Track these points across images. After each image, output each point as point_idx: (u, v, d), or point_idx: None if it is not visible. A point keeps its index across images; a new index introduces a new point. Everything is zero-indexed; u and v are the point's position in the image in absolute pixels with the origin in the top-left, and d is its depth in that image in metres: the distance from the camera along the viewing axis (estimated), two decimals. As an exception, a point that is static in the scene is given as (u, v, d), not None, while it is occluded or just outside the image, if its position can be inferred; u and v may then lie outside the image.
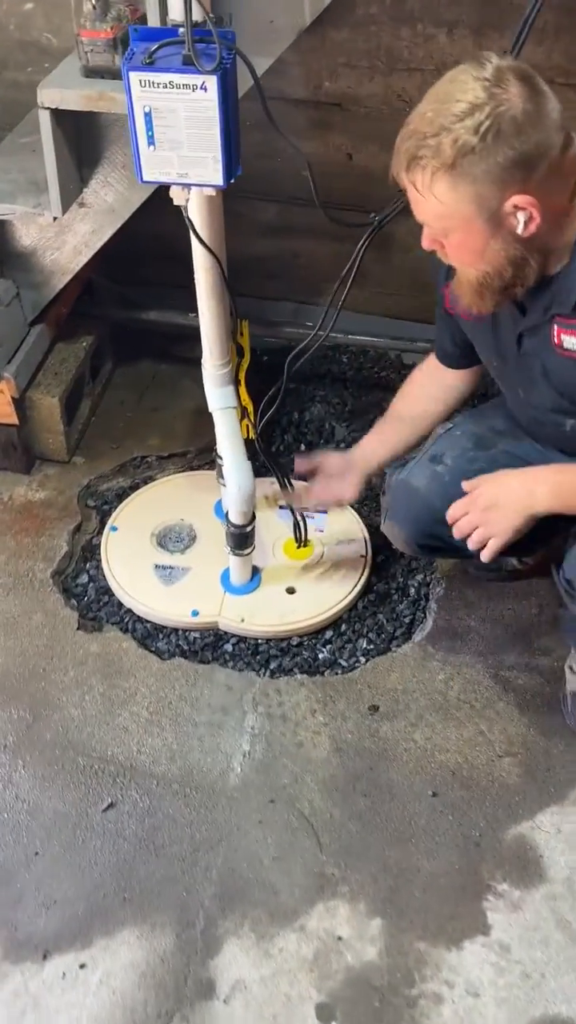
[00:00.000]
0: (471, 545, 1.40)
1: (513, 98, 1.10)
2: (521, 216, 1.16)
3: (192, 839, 1.53)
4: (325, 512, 2.05)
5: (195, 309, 1.57)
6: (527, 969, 1.38)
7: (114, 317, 2.38)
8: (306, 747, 1.65)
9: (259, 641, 1.85)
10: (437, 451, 1.64)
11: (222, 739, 1.66)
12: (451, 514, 1.42)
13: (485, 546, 1.38)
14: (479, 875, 1.50)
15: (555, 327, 1.31)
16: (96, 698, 1.72)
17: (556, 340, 1.31)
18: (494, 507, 1.37)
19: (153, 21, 1.29)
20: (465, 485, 1.42)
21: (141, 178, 1.30)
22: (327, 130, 2.13)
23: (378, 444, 1.75)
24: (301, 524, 1.95)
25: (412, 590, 1.96)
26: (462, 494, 1.44)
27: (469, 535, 1.39)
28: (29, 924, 1.42)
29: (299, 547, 1.98)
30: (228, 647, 1.84)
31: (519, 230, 1.17)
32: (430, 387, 1.72)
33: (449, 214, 1.18)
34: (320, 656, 1.83)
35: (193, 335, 1.66)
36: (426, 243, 1.27)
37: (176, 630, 1.87)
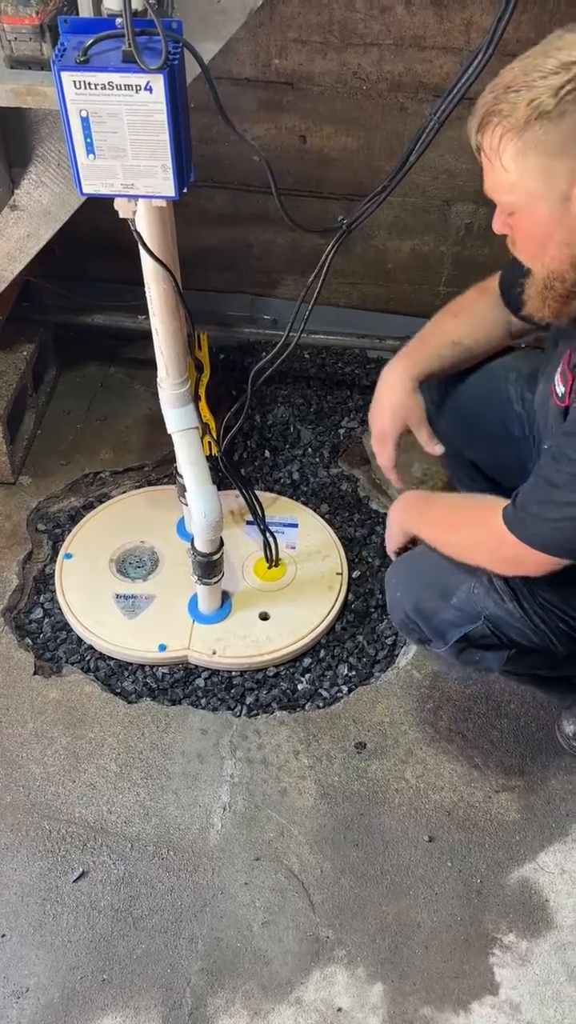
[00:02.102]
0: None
1: None
2: None
3: (174, 907, 1.41)
4: (296, 525, 1.93)
5: (145, 310, 1.41)
6: (540, 1030, 1.30)
7: (56, 320, 2.20)
8: (291, 795, 1.53)
9: (233, 674, 1.73)
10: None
11: (199, 791, 1.53)
12: None
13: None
14: (483, 926, 1.40)
15: (562, 356, 1.20)
16: (59, 752, 1.58)
17: (557, 367, 1.21)
18: (390, 518, 1.52)
19: (85, 11, 1.12)
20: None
21: (81, 190, 1.14)
22: (278, 111, 1.97)
23: (431, 358, 1.45)
24: (271, 542, 1.82)
25: (392, 607, 1.84)
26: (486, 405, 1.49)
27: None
28: (-1, 1019, 1.30)
29: (270, 567, 1.85)
30: (200, 682, 1.72)
31: None
32: (494, 326, 1.46)
33: (514, 187, 1.02)
34: (299, 687, 1.71)
35: (143, 336, 1.51)
36: (496, 225, 1.11)
37: (143, 666, 1.73)
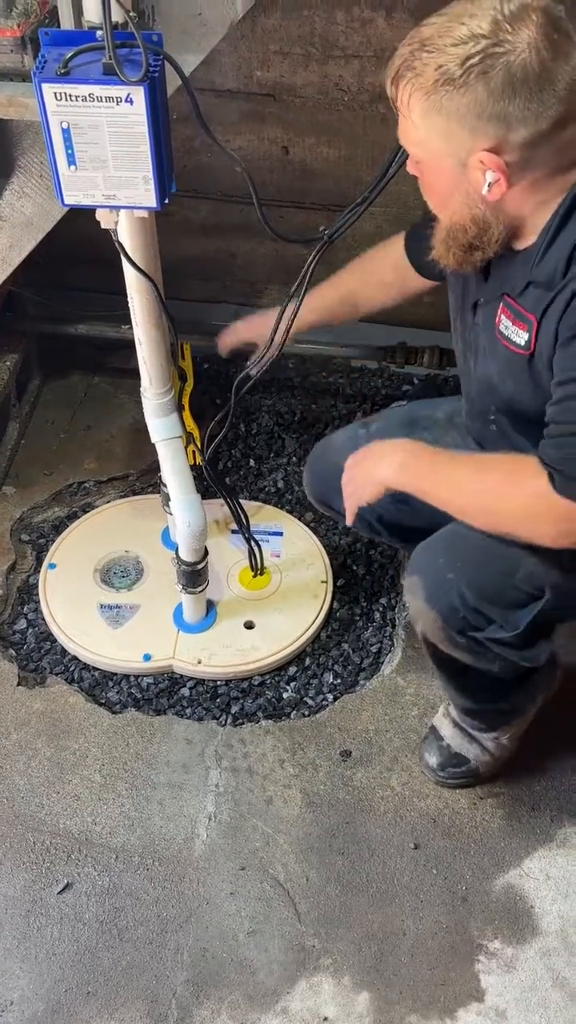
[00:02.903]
0: (346, 508, 1.38)
1: (520, 46, 0.95)
2: (489, 176, 1.03)
3: (159, 918, 1.40)
4: (280, 533, 1.93)
5: (128, 319, 1.42)
6: (526, 1037, 1.30)
7: (39, 330, 2.20)
8: (276, 804, 1.53)
9: (218, 683, 1.72)
10: (371, 419, 1.59)
11: (184, 801, 1.53)
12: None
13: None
14: (469, 933, 1.40)
15: (501, 305, 1.18)
16: (43, 763, 1.57)
17: (497, 320, 1.19)
18: (355, 471, 1.34)
19: (67, 23, 1.12)
20: (356, 453, 1.36)
21: (62, 201, 1.14)
22: (261, 122, 1.98)
23: (308, 311, 1.46)
24: (256, 551, 1.82)
25: (377, 615, 1.85)
26: None
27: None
28: (-17, 1033, 1.29)
29: (255, 576, 1.85)
30: (185, 691, 1.71)
31: (484, 190, 1.04)
32: (388, 277, 1.53)
33: (421, 142, 1.05)
34: (285, 695, 1.71)
35: (127, 345, 1.51)
36: (410, 166, 1.14)
37: (127, 676, 1.73)
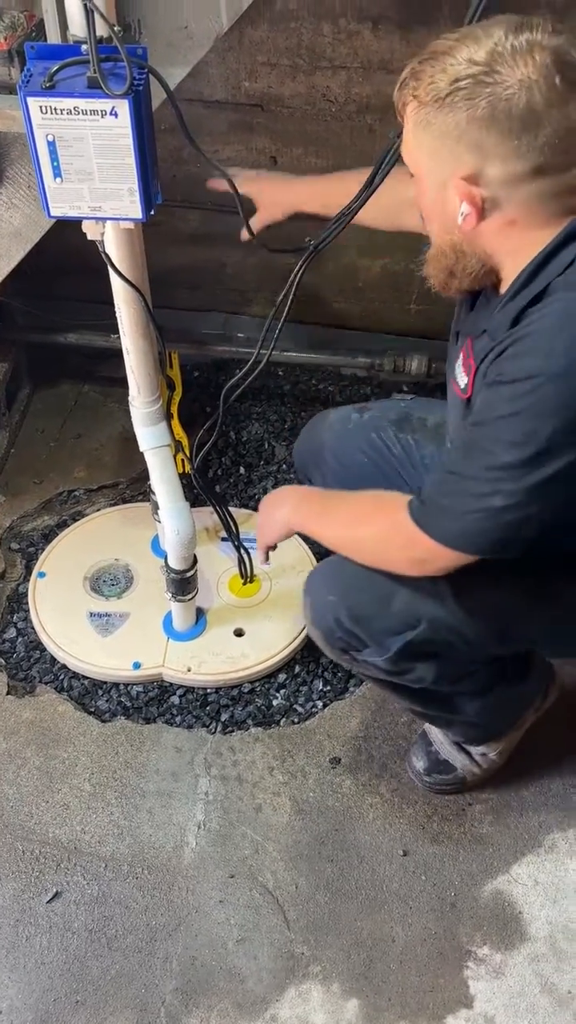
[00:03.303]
0: (258, 549, 1.49)
1: (510, 81, 0.94)
2: (463, 207, 1.02)
3: (148, 927, 1.40)
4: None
5: (117, 328, 1.42)
6: (515, 1043, 1.31)
7: (29, 340, 2.21)
8: (265, 811, 1.53)
9: (208, 691, 1.73)
10: (369, 406, 1.60)
11: (174, 809, 1.53)
12: None
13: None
14: (457, 940, 1.41)
15: (466, 343, 1.19)
16: (32, 772, 1.57)
17: (457, 356, 1.20)
18: (262, 515, 1.44)
19: (53, 37, 1.13)
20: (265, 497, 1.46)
21: (48, 213, 1.15)
22: (249, 133, 1.99)
23: (309, 196, 1.53)
24: (246, 558, 1.82)
25: (366, 622, 1.85)
26: (351, 447, 1.53)
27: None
28: (-28, 1043, 1.29)
29: (245, 583, 1.86)
30: (175, 699, 1.72)
31: (458, 219, 1.04)
32: (388, 200, 1.39)
33: (411, 152, 1.06)
34: (274, 703, 1.71)
35: (116, 354, 1.52)
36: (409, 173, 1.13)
37: (117, 685, 1.73)
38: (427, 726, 1.59)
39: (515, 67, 0.94)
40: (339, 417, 1.59)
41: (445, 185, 1.02)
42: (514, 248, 1.06)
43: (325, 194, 1.49)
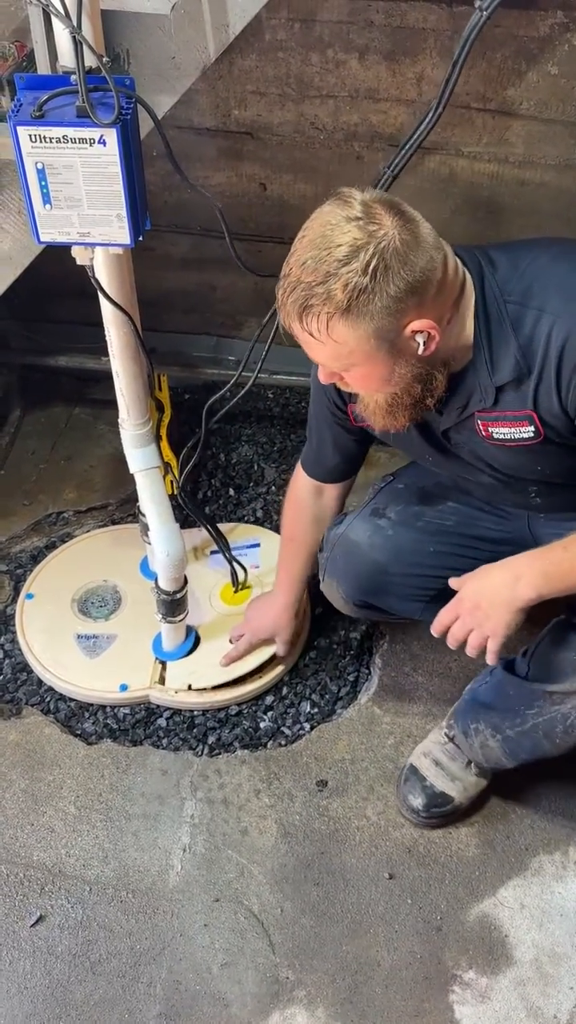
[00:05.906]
0: (470, 652, 1.27)
1: (389, 230, 1.06)
2: (420, 338, 1.12)
3: (132, 951, 1.40)
4: (257, 545, 1.95)
5: (108, 351, 1.44)
6: (500, 1069, 1.30)
7: (20, 362, 2.22)
8: (251, 835, 1.53)
9: (195, 713, 1.73)
10: (379, 504, 1.55)
11: (159, 833, 1.53)
12: (440, 621, 1.30)
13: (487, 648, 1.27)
14: (443, 963, 1.40)
15: (479, 422, 1.26)
16: (17, 795, 1.57)
17: (484, 433, 1.27)
18: (480, 606, 1.24)
19: (43, 67, 1.15)
20: (452, 583, 1.30)
21: (38, 239, 1.17)
22: (239, 160, 2.02)
23: (285, 575, 1.72)
24: (239, 571, 1.84)
25: (355, 644, 1.86)
26: (410, 550, 1.48)
27: (465, 641, 1.28)
28: (-47, 1070, 1.28)
29: (236, 591, 1.87)
30: (162, 722, 1.71)
31: (420, 351, 1.13)
32: (307, 511, 1.63)
33: (350, 352, 1.12)
34: (262, 725, 1.71)
35: (108, 376, 1.53)
36: (324, 378, 1.22)
37: (104, 707, 1.73)
38: (414, 761, 1.59)
39: (380, 222, 1.06)
40: (369, 532, 1.51)
41: (396, 341, 1.11)
42: (459, 326, 1.18)
43: (297, 581, 1.71)
